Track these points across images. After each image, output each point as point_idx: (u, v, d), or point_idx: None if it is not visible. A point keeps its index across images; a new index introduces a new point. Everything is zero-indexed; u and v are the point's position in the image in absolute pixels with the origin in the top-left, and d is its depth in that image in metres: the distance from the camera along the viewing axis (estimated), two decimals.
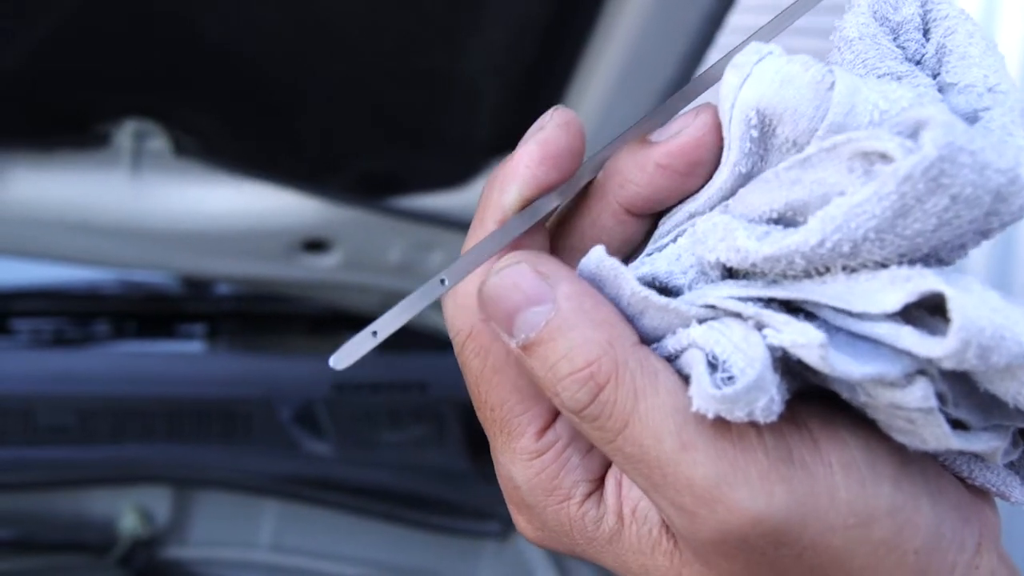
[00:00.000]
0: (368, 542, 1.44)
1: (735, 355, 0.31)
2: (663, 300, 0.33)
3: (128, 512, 1.36)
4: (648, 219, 0.36)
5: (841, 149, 0.31)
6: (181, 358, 1.58)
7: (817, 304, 0.32)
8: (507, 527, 1.42)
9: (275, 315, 1.63)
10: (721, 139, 0.34)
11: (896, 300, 0.30)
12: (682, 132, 0.34)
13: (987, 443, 0.34)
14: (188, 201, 1.26)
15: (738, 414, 0.31)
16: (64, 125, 1.17)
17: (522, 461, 0.36)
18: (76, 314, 1.56)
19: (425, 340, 1.47)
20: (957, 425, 0.33)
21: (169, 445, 1.38)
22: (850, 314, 0.31)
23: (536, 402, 0.35)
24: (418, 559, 1.46)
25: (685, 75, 1.12)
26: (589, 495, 0.36)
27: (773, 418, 0.31)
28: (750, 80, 0.33)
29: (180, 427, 1.40)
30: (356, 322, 1.68)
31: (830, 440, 0.33)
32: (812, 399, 0.33)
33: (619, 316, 0.33)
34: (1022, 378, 0.31)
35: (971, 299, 0.30)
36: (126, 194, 1.24)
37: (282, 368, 1.54)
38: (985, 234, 0.33)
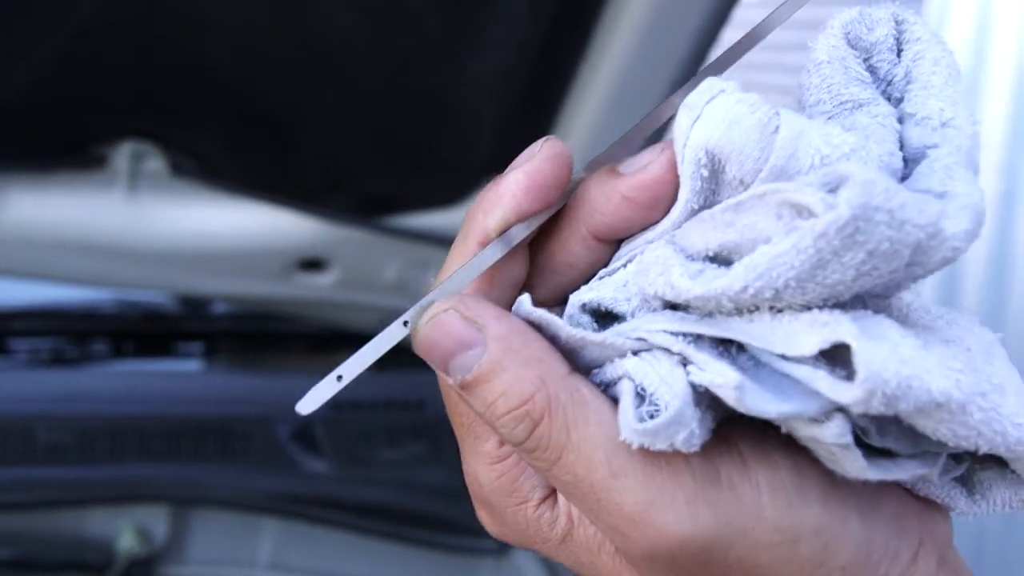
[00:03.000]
0: (366, 560, 1.44)
1: (661, 388, 0.33)
2: (599, 337, 0.35)
3: (126, 531, 1.36)
4: (615, 244, 0.37)
5: (770, 198, 0.32)
6: (179, 377, 1.59)
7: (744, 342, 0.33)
8: (504, 544, 1.42)
9: (272, 334, 1.64)
10: (676, 176, 0.36)
11: (812, 345, 0.32)
12: (647, 167, 0.36)
13: (911, 471, 0.35)
14: (185, 221, 1.27)
15: (660, 446, 0.32)
16: (62, 147, 1.18)
17: (485, 464, 0.38)
18: (74, 333, 1.56)
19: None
20: (885, 453, 0.35)
21: (167, 464, 1.38)
22: (773, 354, 0.33)
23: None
24: None
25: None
26: (544, 499, 0.38)
27: (695, 449, 0.33)
28: (700, 121, 0.34)
29: (178, 446, 1.40)
30: (353, 340, 1.68)
31: (759, 462, 0.35)
32: (745, 421, 0.34)
33: (550, 350, 0.35)
34: (937, 417, 0.33)
35: (879, 350, 0.31)
36: (123, 214, 1.25)
37: (280, 386, 1.54)
38: (915, 279, 0.34)
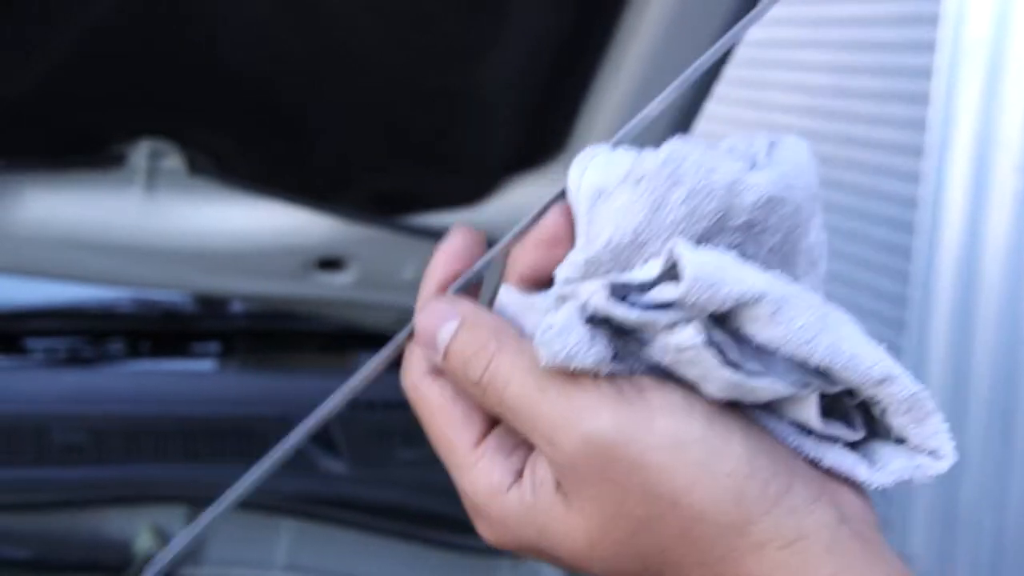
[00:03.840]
0: (383, 561, 1.43)
1: (557, 316, 0.43)
2: (531, 299, 0.46)
3: (143, 532, 1.35)
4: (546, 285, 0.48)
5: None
6: (195, 377, 1.58)
7: (623, 284, 0.43)
8: None
9: (289, 333, 1.63)
10: (571, 220, 0.46)
11: (657, 266, 0.43)
12: (544, 220, 0.47)
13: (769, 386, 0.43)
14: (203, 220, 1.26)
15: (558, 357, 0.42)
16: (80, 146, 1.17)
17: (467, 472, 0.47)
18: (90, 333, 1.56)
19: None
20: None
21: (184, 464, 1.38)
22: (634, 285, 0.43)
23: (467, 427, 0.47)
24: None
25: (699, 92, 1.12)
26: (514, 484, 0.46)
27: (587, 362, 0.42)
28: (588, 170, 0.46)
29: (195, 446, 1.40)
30: (370, 340, 1.68)
31: (656, 391, 0.44)
32: (653, 374, 0.44)
33: (503, 320, 0.47)
34: (764, 319, 0.42)
35: (702, 256, 0.41)
36: (141, 213, 1.24)
37: (296, 386, 1.54)
38: (744, 231, 0.45)
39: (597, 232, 0.45)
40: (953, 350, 2.99)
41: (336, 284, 1.41)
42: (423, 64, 1.08)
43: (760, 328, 0.42)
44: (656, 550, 0.44)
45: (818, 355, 0.43)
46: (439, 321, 0.47)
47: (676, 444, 0.43)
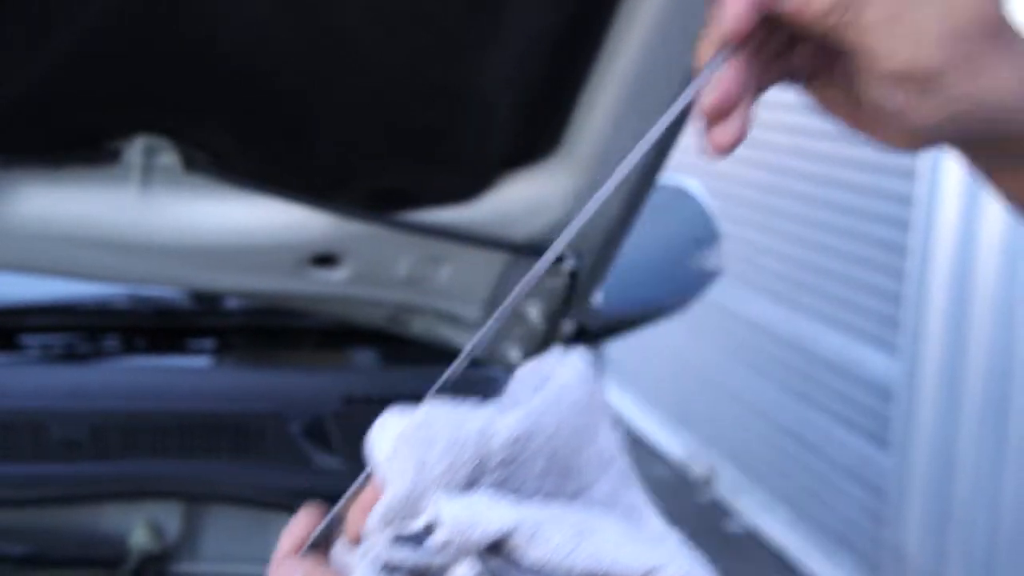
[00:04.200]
0: None
1: (359, 568, 0.51)
2: (355, 552, 0.53)
3: (139, 527, 1.36)
4: None
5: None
6: (191, 373, 1.58)
7: (405, 535, 0.51)
8: None
9: (284, 329, 1.63)
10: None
11: (423, 520, 0.50)
12: (367, 488, 0.55)
13: None
14: (198, 216, 1.26)
15: None
16: (75, 142, 1.17)
17: None
18: (86, 329, 1.56)
19: (432, 354, 1.47)
20: None
21: (180, 460, 1.38)
22: (413, 535, 0.50)
23: None
24: None
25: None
26: None
27: None
28: (377, 436, 0.53)
29: (191, 442, 1.40)
30: (364, 336, 1.68)
31: None
32: None
33: (337, 573, 0.54)
34: (518, 543, 0.49)
35: (456, 505, 0.49)
36: (136, 209, 1.24)
37: (292, 382, 1.54)
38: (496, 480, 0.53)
39: (387, 491, 0.52)
40: (947, 348, 3.00)
41: (331, 280, 1.41)
42: (422, 61, 1.08)
43: (524, 552, 0.49)
44: None
45: (580, 566, 0.49)
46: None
47: None
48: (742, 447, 4.15)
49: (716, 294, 2.20)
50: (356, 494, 0.55)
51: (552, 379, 0.56)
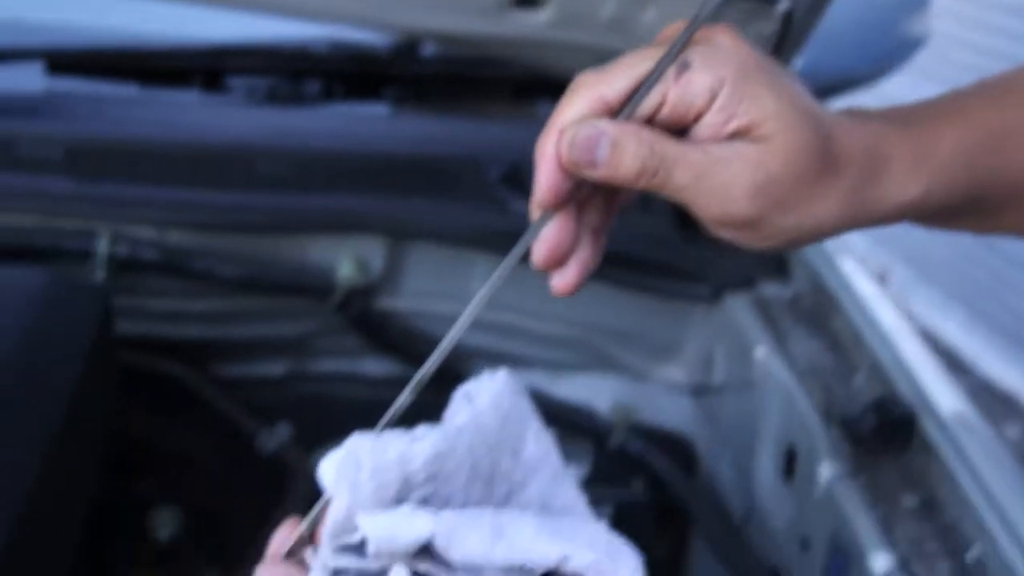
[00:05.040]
0: (576, 302, 1.45)
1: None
2: (314, 560, 0.60)
3: (345, 261, 1.39)
4: None
5: None
6: (389, 118, 1.59)
7: (347, 545, 0.58)
8: (719, 289, 1.40)
9: (481, 79, 1.62)
10: None
11: (359, 535, 0.57)
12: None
13: None
14: None
15: None
16: None
17: None
18: (287, 72, 1.58)
19: None
20: None
21: (382, 198, 1.40)
22: (353, 545, 0.58)
23: None
24: (627, 321, 1.46)
25: None
26: None
27: None
28: (323, 466, 0.60)
29: (391, 182, 1.41)
30: (560, 87, 1.65)
31: None
32: None
33: (297, 572, 0.61)
34: (440, 546, 0.56)
35: (376, 521, 0.56)
36: None
37: (488, 130, 1.54)
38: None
39: (329, 511, 0.59)
40: None
41: (533, 22, 1.38)
42: None
43: (448, 554, 0.56)
44: None
45: (499, 560, 0.56)
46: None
47: None
48: (916, 245, 4.03)
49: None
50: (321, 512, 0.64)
51: (475, 398, 0.63)
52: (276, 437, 1.41)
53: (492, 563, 0.57)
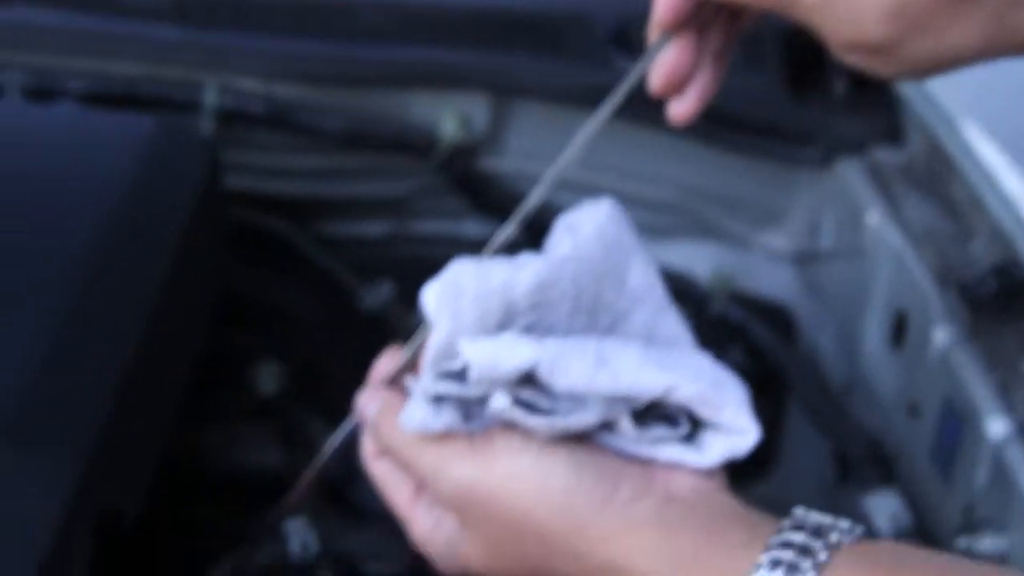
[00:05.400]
0: (678, 163, 1.42)
1: (411, 400, 0.62)
2: (415, 387, 0.62)
3: (448, 118, 1.37)
4: None
5: None
6: None
7: (448, 371, 0.60)
8: (829, 153, 1.36)
9: None
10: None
11: (461, 360, 0.58)
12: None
13: (575, 421, 0.58)
14: None
15: (415, 426, 0.60)
16: None
17: (408, 526, 0.65)
18: None
19: None
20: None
21: (486, 53, 1.37)
22: (454, 371, 0.60)
23: (400, 493, 0.66)
24: (730, 186, 1.43)
25: None
26: (436, 530, 0.63)
27: (439, 425, 0.60)
28: (426, 292, 0.61)
29: (496, 37, 1.38)
30: None
31: (501, 438, 0.59)
32: (506, 424, 0.59)
33: (398, 398, 0.64)
34: (542, 374, 0.57)
35: (478, 347, 0.57)
36: None
37: None
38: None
39: (430, 339, 0.60)
40: None
41: None
42: None
43: (551, 382, 0.57)
44: (531, 558, 0.59)
45: (603, 389, 0.57)
46: (367, 404, 0.66)
47: (513, 477, 0.58)
48: None
49: None
50: (422, 341, 0.64)
51: (578, 228, 0.63)
52: (378, 295, 1.41)
53: (595, 392, 0.57)
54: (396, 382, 0.67)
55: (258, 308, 1.45)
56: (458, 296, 0.59)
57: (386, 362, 0.68)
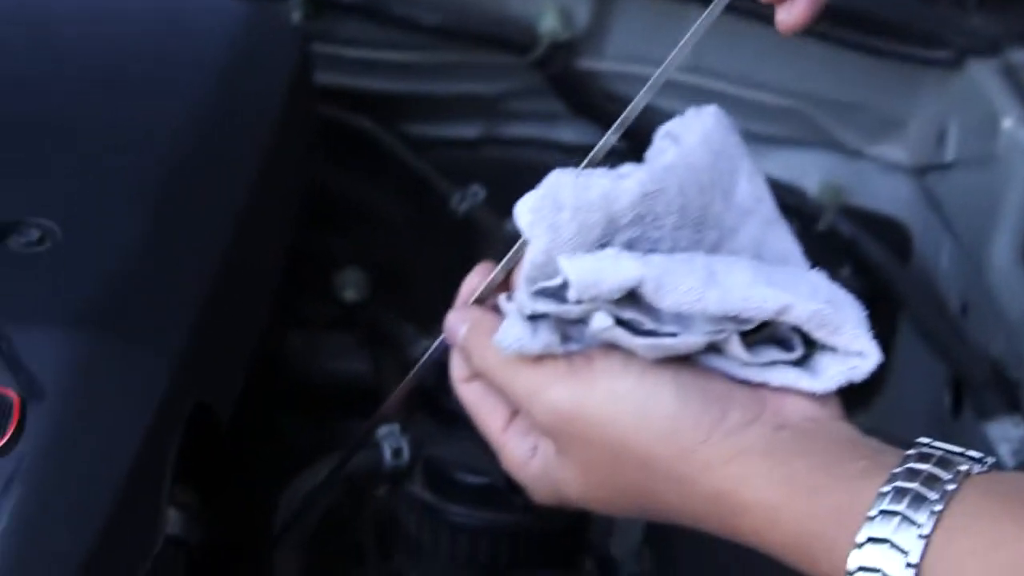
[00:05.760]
0: (791, 66, 1.33)
1: (507, 319, 0.59)
2: (509, 305, 0.59)
3: (548, 12, 1.30)
4: None
5: None
6: None
7: (545, 288, 0.57)
8: (960, 55, 1.27)
9: None
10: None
11: (561, 277, 0.56)
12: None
13: (680, 342, 0.54)
14: None
15: (511, 347, 0.57)
16: None
17: (500, 452, 0.63)
18: None
19: None
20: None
21: None
22: (552, 289, 0.57)
23: (494, 418, 0.62)
24: (848, 90, 1.34)
25: None
26: (532, 456, 0.60)
27: (536, 346, 0.56)
28: (520, 206, 0.58)
29: None
30: None
31: (601, 359, 0.56)
32: (604, 345, 0.57)
33: (498, 321, 0.59)
34: (647, 293, 0.53)
35: (579, 264, 0.55)
36: None
37: None
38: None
39: (526, 256, 0.57)
40: None
41: None
42: None
43: (656, 300, 0.53)
44: (631, 486, 0.57)
45: (711, 309, 0.53)
46: (457, 324, 0.62)
47: (614, 400, 0.55)
48: None
49: None
50: (516, 257, 0.61)
51: (683, 136, 0.60)
52: (469, 199, 1.35)
53: (704, 312, 0.54)
54: (486, 300, 0.63)
55: (343, 210, 1.40)
56: (556, 209, 0.56)
57: (476, 278, 0.64)
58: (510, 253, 0.61)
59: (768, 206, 0.61)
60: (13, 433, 0.60)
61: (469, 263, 1.30)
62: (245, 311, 0.96)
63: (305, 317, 1.36)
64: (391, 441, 0.99)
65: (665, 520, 0.58)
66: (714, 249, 0.59)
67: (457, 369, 0.64)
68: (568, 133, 1.43)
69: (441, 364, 0.97)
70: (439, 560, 0.99)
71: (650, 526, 0.98)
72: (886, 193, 1.40)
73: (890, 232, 1.40)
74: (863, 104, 1.36)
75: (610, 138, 0.63)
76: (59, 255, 0.73)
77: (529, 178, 1.44)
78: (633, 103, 0.63)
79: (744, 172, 0.61)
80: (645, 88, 0.63)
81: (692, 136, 0.60)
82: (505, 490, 0.96)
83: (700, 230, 0.59)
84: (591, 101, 1.37)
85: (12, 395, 0.61)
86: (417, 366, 0.71)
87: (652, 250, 0.57)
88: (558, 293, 0.56)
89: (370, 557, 1.09)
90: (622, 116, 0.63)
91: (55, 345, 0.66)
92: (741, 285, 0.54)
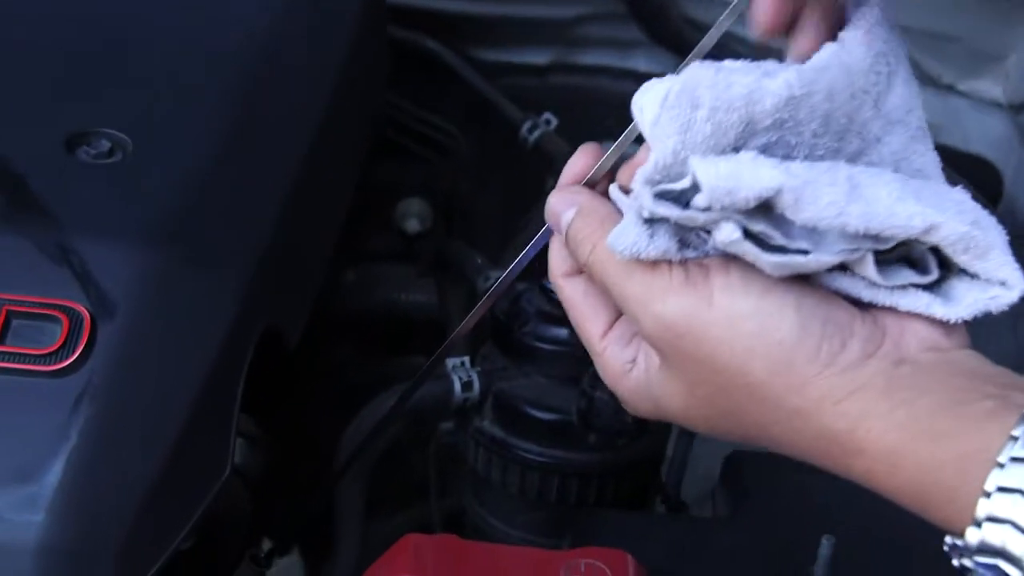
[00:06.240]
0: None
1: (623, 220, 0.54)
2: (628, 199, 0.55)
3: None
4: None
5: None
6: None
7: (669, 191, 0.52)
8: None
9: None
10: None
11: (688, 179, 0.51)
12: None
13: (810, 260, 0.50)
14: None
15: (627, 250, 0.52)
16: None
17: (598, 358, 0.59)
18: None
19: None
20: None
21: None
22: (676, 192, 0.51)
23: (595, 321, 0.58)
24: (941, 22, 1.27)
25: None
26: (632, 366, 0.57)
27: (652, 252, 0.52)
28: (641, 100, 0.53)
29: None
30: None
31: (718, 272, 0.52)
32: (721, 255, 0.53)
33: (613, 211, 0.56)
34: (784, 204, 0.49)
35: (714, 167, 0.49)
36: None
37: None
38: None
39: (650, 156, 0.52)
40: None
41: None
42: None
43: (793, 213, 0.49)
44: (737, 410, 0.53)
45: (852, 224, 0.49)
46: (563, 207, 0.57)
47: (731, 319, 0.51)
48: None
49: None
50: (626, 141, 0.57)
51: (844, 31, 0.54)
52: (540, 127, 1.30)
53: (845, 227, 0.49)
54: (592, 185, 0.58)
55: (406, 137, 1.36)
56: (693, 107, 0.51)
57: (581, 159, 0.59)
58: (622, 136, 0.56)
59: (917, 117, 0.56)
60: (84, 350, 0.58)
61: (538, 194, 1.25)
62: (316, 236, 0.93)
63: (365, 249, 1.33)
64: (460, 373, 0.95)
65: (769, 448, 0.54)
66: (853, 160, 0.54)
67: (557, 259, 0.59)
68: (644, 62, 1.38)
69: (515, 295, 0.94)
70: (507, 497, 0.96)
71: (723, 473, 0.95)
72: (978, 131, 1.34)
73: (980, 171, 1.34)
74: (958, 36, 1.29)
75: (724, 21, 0.57)
76: (130, 168, 0.70)
77: (601, 107, 1.40)
78: (712, 29, 0.58)
79: (901, 77, 0.55)
80: (725, 13, 0.57)
81: (856, 30, 0.53)
82: (578, 427, 0.93)
83: (841, 139, 0.54)
84: (670, 27, 1.31)
85: (83, 310, 0.59)
86: (499, 280, 0.65)
87: (787, 157, 0.52)
88: (682, 197, 0.51)
89: (433, 492, 1.07)
90: (699, 43, 0.58)
91: (126, 260, 0.63)
92: (887, 199, 0.49)
